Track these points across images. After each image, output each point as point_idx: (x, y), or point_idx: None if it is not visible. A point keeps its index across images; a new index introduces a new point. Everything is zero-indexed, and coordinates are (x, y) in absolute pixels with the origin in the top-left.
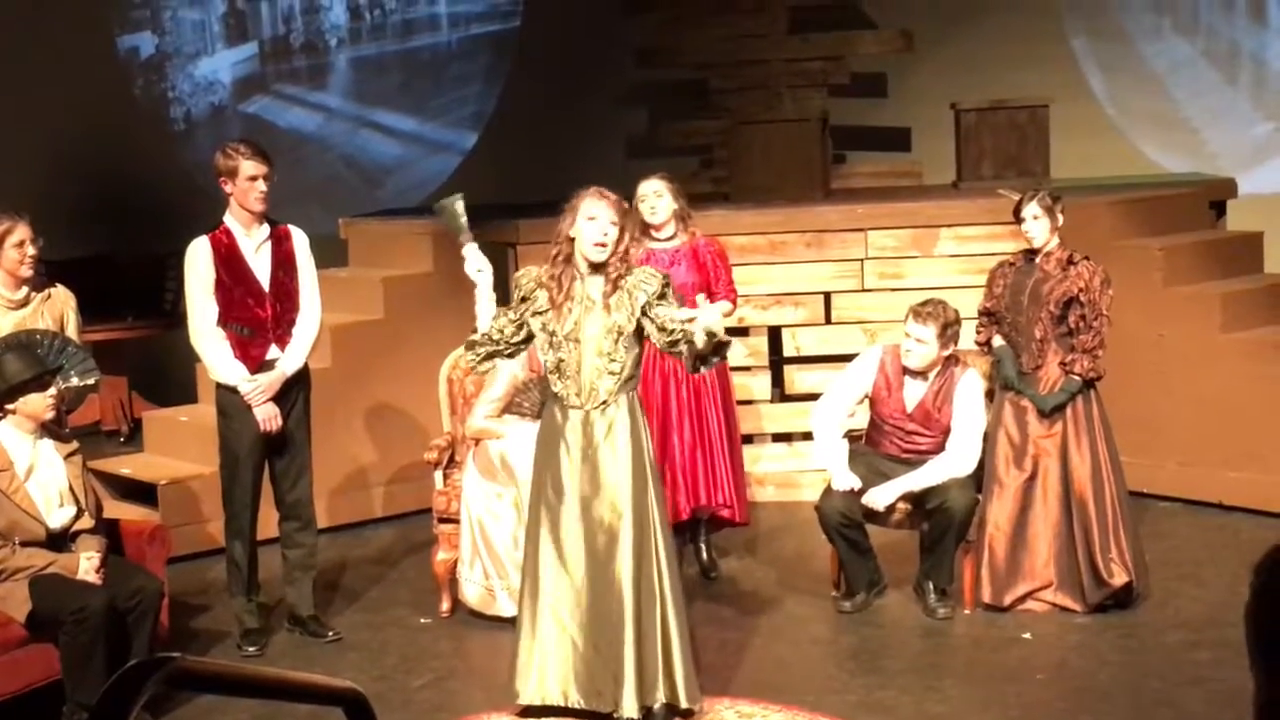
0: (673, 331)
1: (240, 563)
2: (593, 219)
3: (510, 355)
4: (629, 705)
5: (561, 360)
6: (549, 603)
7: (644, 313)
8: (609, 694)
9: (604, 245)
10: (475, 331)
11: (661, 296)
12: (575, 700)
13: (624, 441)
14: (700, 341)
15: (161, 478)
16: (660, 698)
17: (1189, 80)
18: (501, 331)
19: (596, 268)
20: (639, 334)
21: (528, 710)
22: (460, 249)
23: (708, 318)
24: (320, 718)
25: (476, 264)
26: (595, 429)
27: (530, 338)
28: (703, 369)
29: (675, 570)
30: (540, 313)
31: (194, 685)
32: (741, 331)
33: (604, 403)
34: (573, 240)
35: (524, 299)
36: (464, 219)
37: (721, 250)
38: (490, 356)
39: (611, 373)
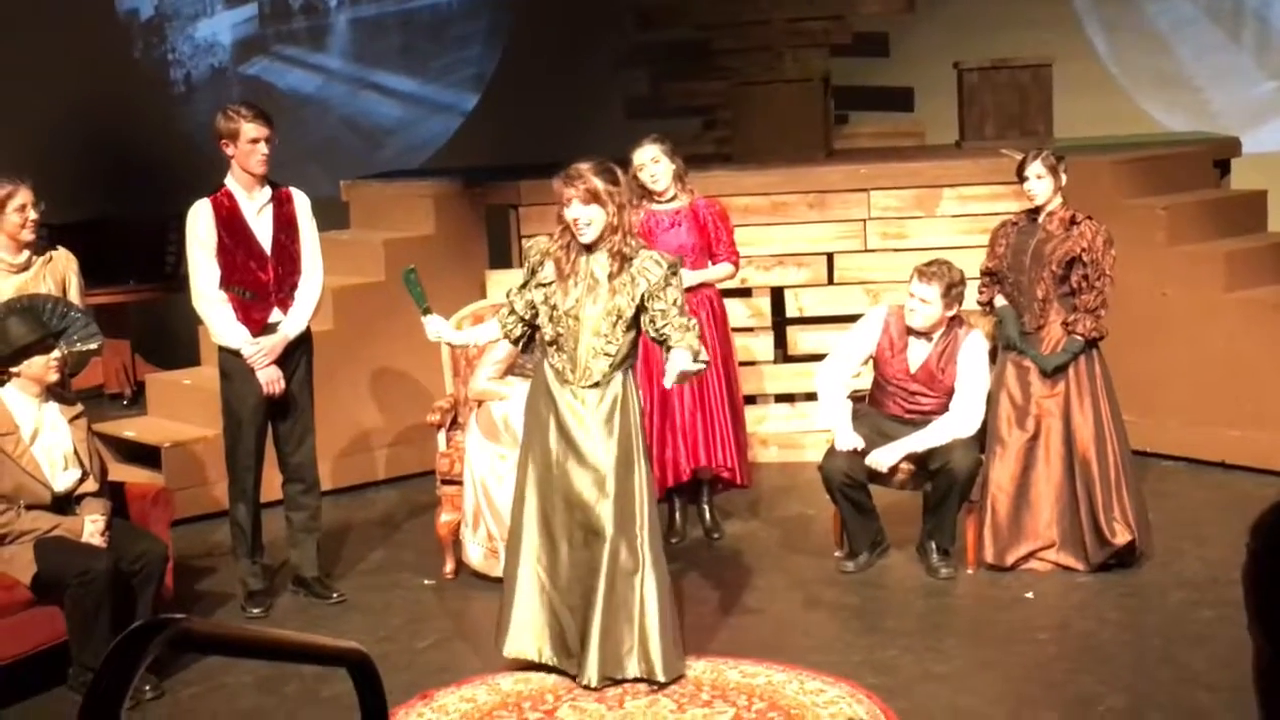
0: (662, 329)
1: (244, 525)
2: (567, 205)
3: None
4: (590, 674)
5: (560, 335)
6: (531, 561)
7: (644, 301)
8: (577, 658)
9: (582, 229)
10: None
11: (667, 285)
12: (548, 658)
13: (613, 418)
14: (669, 382)
15: (165, 441)
16: (633, 672)
17: (1192, 39)
18: (522, 319)
19: (595, 246)
20: (638, 317)
21: (519, 665)
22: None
23: (678, 364)
24: (325, 679)
25: (432, 331)
26: (586, 403)
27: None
28: (676, 383)
29: (659, 548)
30: (544, 284)
31: (198, 647)
32: (744, 292)
33: (596, 383)
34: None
35: (532, 271)
36: (421, 293)
37: (722, 211)
38: (532, 336)
39: (607, 354)
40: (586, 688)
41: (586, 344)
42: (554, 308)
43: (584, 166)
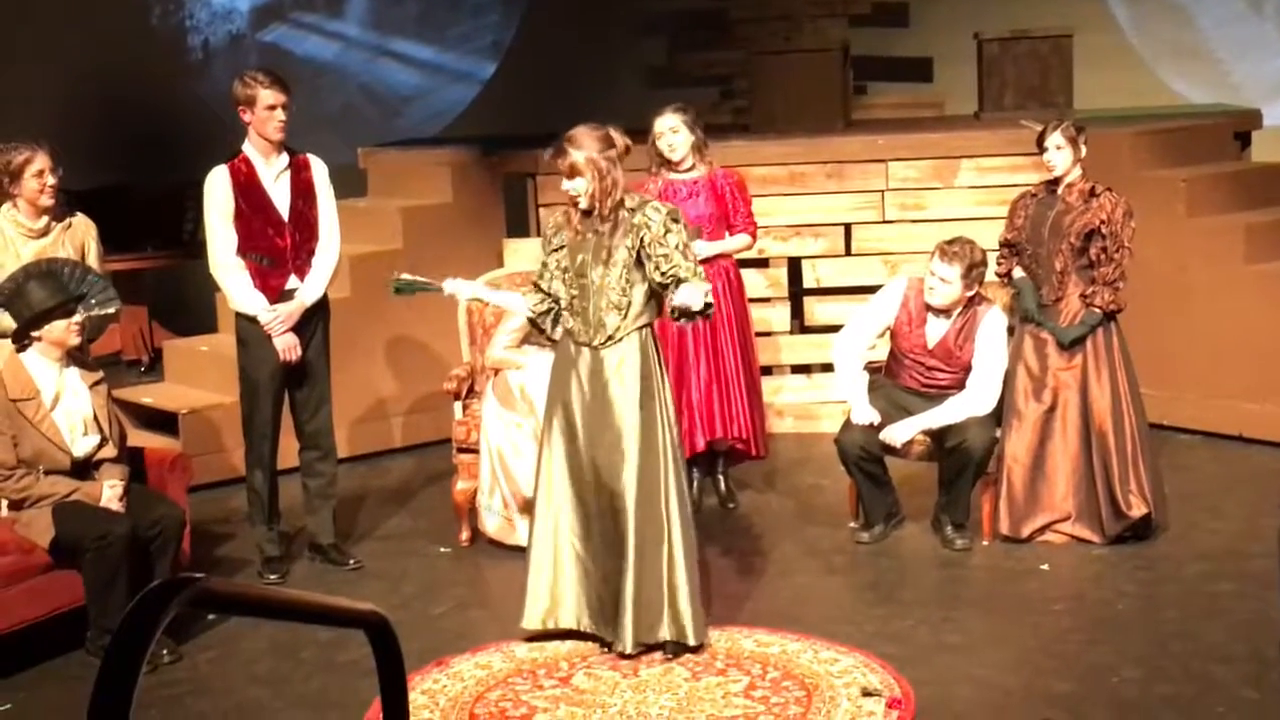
0: (665, 274)
1: (261, 491)
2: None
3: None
4: (626, 641)
5: (574, 296)
6: (564, 531)
7: (645, 247)
8: (614, 625)
9: (575, 196)
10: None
11: (668, 232)
12: (586, 625)
13: (632, 379)
14: (673, 311)
15: (182, 407)
16: (665, 635)
17: (1213, 10)
18: (548, 289)
19: (592, 210)
20: (644, 271)
21: (537, 636)
22: (445, 295)
23: (685, 296)
24: (341, 645)
25: (466, 290)
26: (605, 365)
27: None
28: (683, 322)
29: (685, 509)
30: (557, 250)
31: (218, 606)
32: (761, 263)
33: (610, 338)
34: None
35: (548, 241)
36: (421, 279)
37: (740, 181)
38: (555, 321)
39: (617, 309)
40: (623, 655)
41: (596, 301)
42: (566, 270)
43: (570, 136)
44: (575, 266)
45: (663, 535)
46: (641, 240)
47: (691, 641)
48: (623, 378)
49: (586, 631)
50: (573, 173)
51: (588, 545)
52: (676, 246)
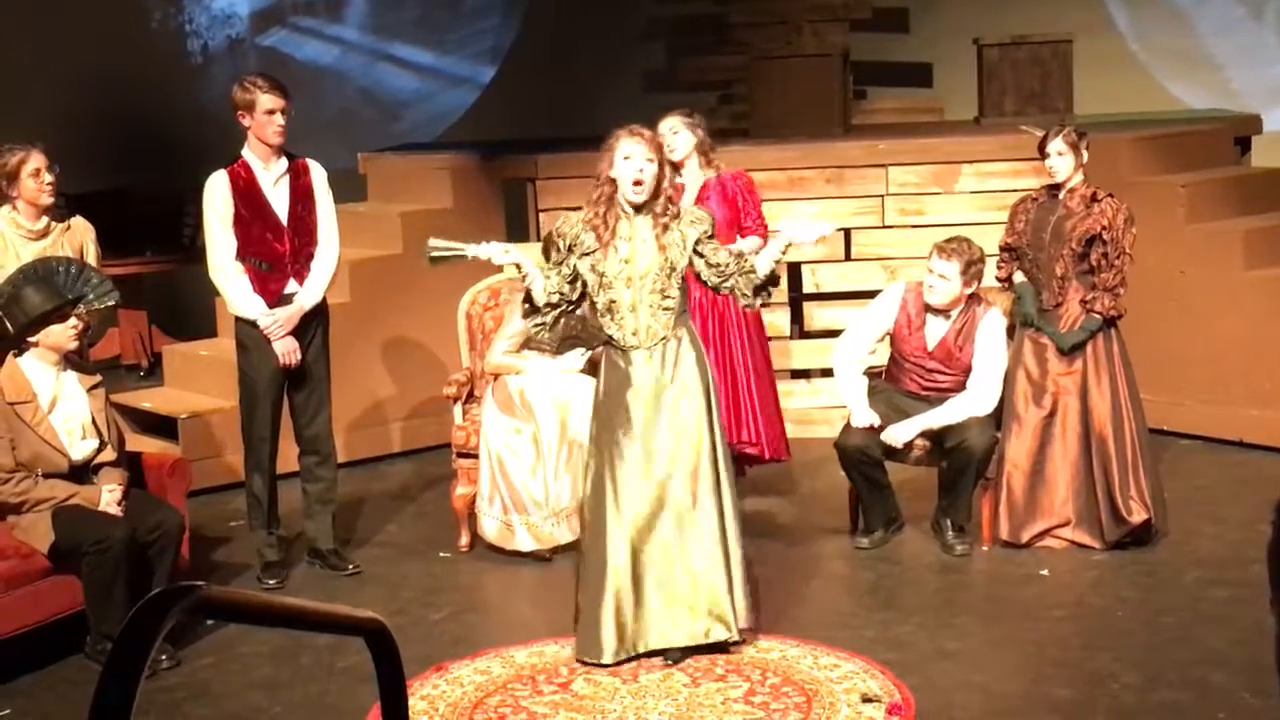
0: (725, 266)
1: (260, 496)
2: (628, 158)
3: (574, 309)
4: (679, 641)
5: (613, 301)
6: (621, 556)
7: (696, 250)
8: (672, 631)
9: (641, 184)
10: (529, 303)
11: (711, 236)
12: (649, 644)
13: (691, 375)
14: (766, 269)
15: (182, 411)
16: (725, 622)
17: (1214, 16)
18: (560, 291)
19: (641, 208)
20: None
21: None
22: (478, 259)
23: (796, 233)
24: (340, 651)
25: (499, 252)
26: (662, 366)
27: (585, 284)
28: (757, 302)
29: (737, 497)
30: (588, 253)
31: (218, 614)
32: None
33: (664, 338)
34: (614, 181)
35: (570, 247)
36: (453, 246)
37: (750, 183)
38: (558, 319)
39: (666, 309)
40: (674, 660)
41: (645, 303)
42: (602, 275)
43: (636, 128)
44: (615, 270)
45: (723, 528)
46: (693, 243)
47: (742, 624)
48: (681, 376)
49: (643, 651)
50: (655, 152)
51: (649, 560)
52: (724, 248)
